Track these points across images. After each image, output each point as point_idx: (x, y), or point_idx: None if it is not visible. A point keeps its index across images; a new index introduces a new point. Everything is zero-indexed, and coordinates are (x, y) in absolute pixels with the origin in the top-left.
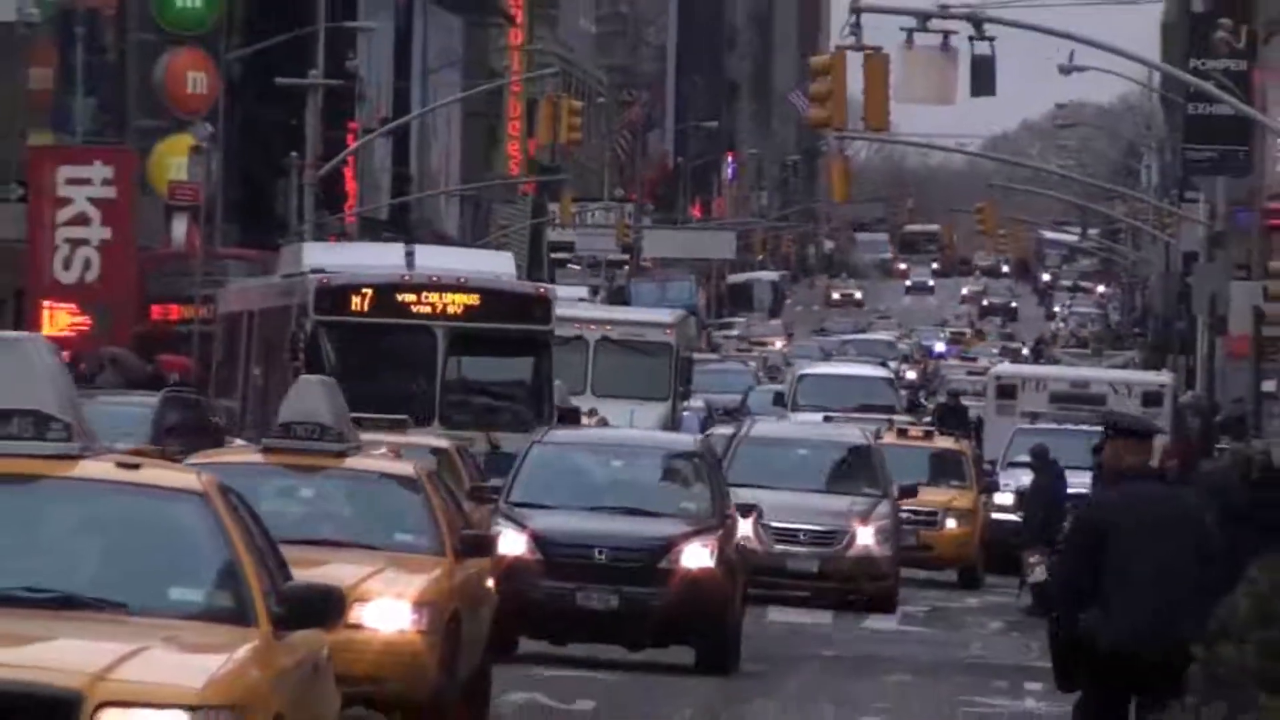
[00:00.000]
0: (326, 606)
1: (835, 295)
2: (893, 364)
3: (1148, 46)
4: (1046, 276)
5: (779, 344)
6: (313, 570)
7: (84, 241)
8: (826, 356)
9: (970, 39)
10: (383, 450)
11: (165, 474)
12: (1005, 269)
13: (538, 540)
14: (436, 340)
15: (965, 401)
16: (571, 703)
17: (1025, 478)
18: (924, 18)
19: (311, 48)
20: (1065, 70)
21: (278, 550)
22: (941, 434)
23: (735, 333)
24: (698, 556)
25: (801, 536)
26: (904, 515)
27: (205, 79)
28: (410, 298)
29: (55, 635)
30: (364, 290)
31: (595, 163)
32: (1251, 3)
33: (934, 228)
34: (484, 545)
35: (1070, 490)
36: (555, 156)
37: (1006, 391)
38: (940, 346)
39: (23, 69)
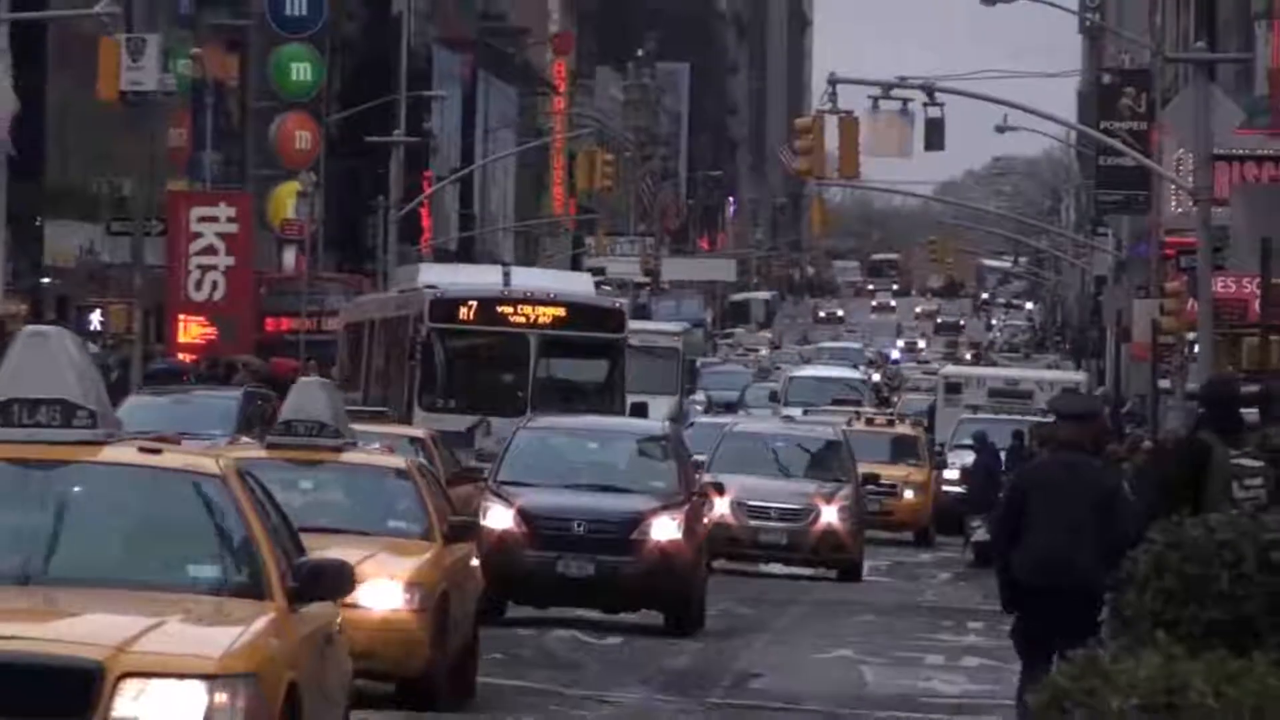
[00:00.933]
0: (338, 580)
1: (821, 313)
2: (860, 367)
3: (1067, 110)
4: (985, 295)
5: (764, 350)
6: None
7: (212, 267)
8: (806, 361)
9: (924, 104)
10: (376, 445)
11: (186, 458)
12: (954, 291)
13: (523, 514)
14: (530, 345)
15: (919, 395)
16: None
17: (968, 457)
18: (886, 87)
19: (395, 112)
20: (1000, 129)
21: (293, 529)
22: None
23: (734, 341)
24: (666, 529)
25: (772, 514)
26: (870, 489)
27: (310, 137)
28: (508, 309)
29: (79, 610)
30: (470, 302)
31: (623, 204)
32: (1149, 75)
33: (895, 256)
34: (470, 531)
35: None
36: (591, 199)
37: (953, 388)
38: (896, 354)
39: (162, 129)
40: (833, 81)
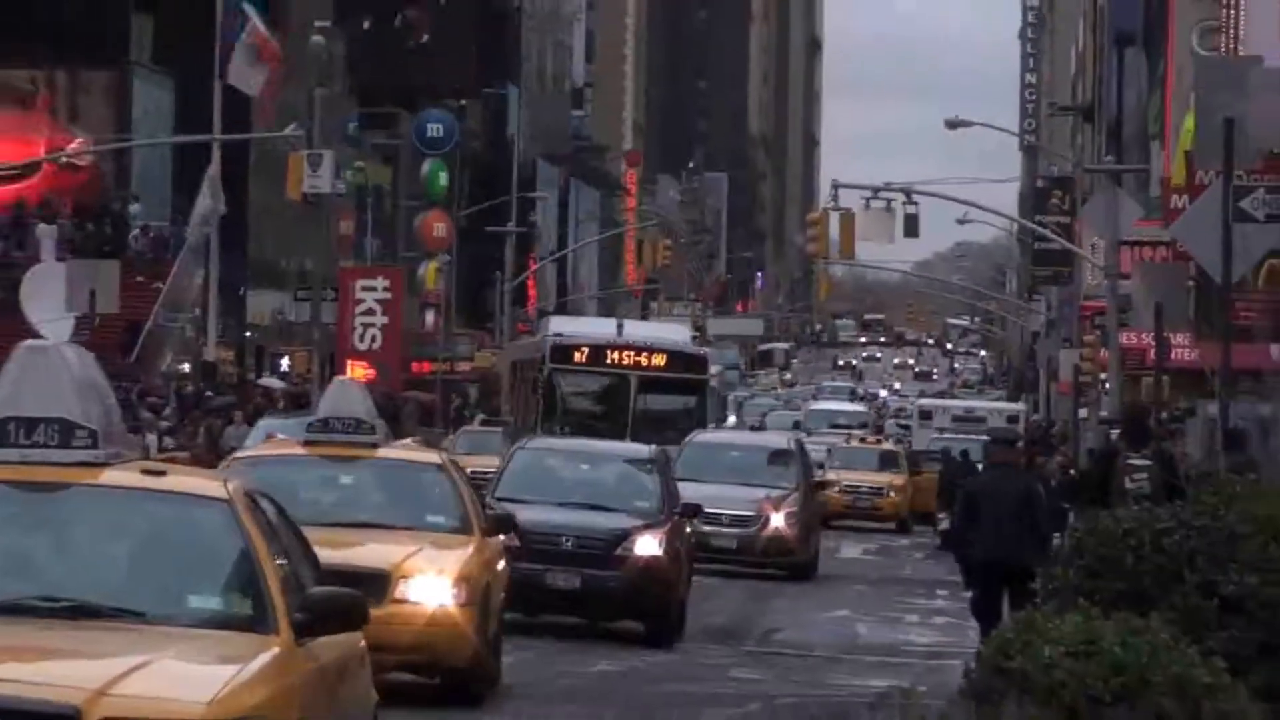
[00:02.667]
0: (351, 612)
1: (840, 362)
2: (859, 401)
3: (1010, 208)
4: (949, 345)
5: (778, 388)
6: (356, 550)
7: (371, 324)
8: (813, 396)
9: (904, 203)
10: (407, 441)
11: (190, 481)
12: (930, 342)
13: (516, 529)
14: (630, 384)
15: (901, 422)
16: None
17: (937, 467)
18: (875, 190)
19: (508, 209)
20: (961, 222)
21: (311, 552)
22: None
23: (758, 380)
24: (648, 546)
25: (724, 519)
26: (863, 490)
27: (445, 228)
28: (614, 354)
29: (63, 646)
30: (583, 348)
31: (679, 277)
32: (1072, 182)
33: (881, 316)
34: (508, 524)
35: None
36: (654, 273)
37: (926, 415)
38: (884, 393)
39: (334, 221)
40: (835, 186)
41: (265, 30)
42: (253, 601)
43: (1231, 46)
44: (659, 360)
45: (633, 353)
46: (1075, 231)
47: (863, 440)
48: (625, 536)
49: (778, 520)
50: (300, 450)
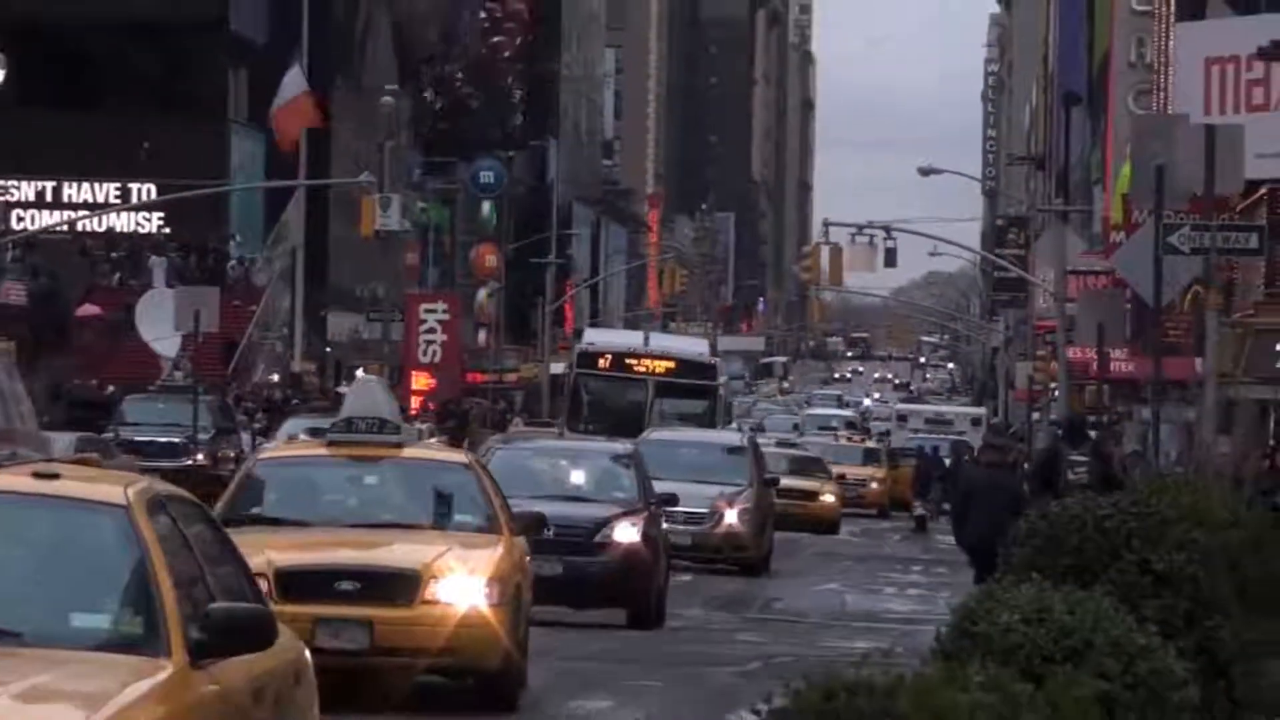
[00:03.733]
0: (257, 631)
1: (835, 375)
2: (847, 407)
3: (974, 242)
4: (922, 359)
5: (778, 395)
6: (384, 550)
7: (433, 341)
8: (807, 404)
9: (884, 239)
10: (433, 440)
11: (86, 486)
12: (906, 356)
13: (548, 527)
14: (648, 387)
15: (880, 424)
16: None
17: (912, 462)
18: (860, 227)
19: (548, 243)
20: (932, 254)
21: (244, 568)
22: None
23: (759, 389)
24: (627, 533)
25: (678, 516)
26: (849, 482)
27: (495, 259)
28: (633, 361)
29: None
30: (606, 355)
31: (693, 301)
32: (1026, 220)
33: (865, 334)
34: (538, 524)
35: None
36: (673, 298)
37: (902, 418)
38: (867, 401)
39: (401, 254)
40: (825, 224)
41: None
42: (144, 620)
43: (1161, 105)
44: (674, 367)
45: (650, 360)
46: (1029, 262)
47: (849, 439)
48: (605, 524)
49: (731, 517)
50: (324, 451)
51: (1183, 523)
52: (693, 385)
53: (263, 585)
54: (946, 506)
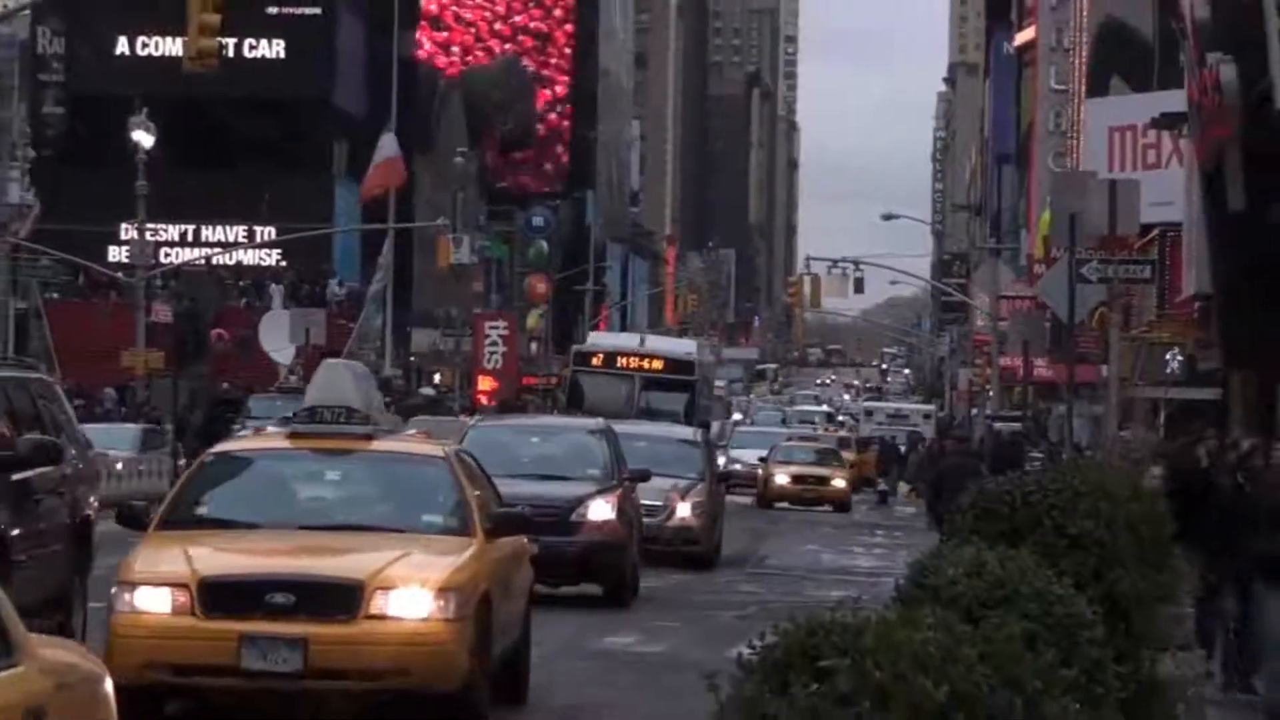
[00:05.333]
0: (520, 523)
1: (817, 381)
2: (824, 406)
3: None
4: (884, 366)
5: (770, 396)
6: (331, 560)
7: (495, 352)
8: (791, 403)
9: (854, 271)
10: (413, 431)
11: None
12: (872, 365)
13: (530, 528)
14: (635, 383)
15: (849, 418)
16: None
17: (876, 448)
18: (835, 261)
19: (586, 274)
20: (893, 282)
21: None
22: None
23: (753, 391)
24: (601, 510)
25: None
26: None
27: (545, 286)
28: (621, 359)
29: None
30: (598, 354)
31: (703, 319)
32: (968, 255)
33: (839, 346)
34: (517, 523)
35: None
36: (686, 318)
37: (868, 413)
38: (843, 399)
39: (470, 283)
40: (808, 259)
41: (392, 156)
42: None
43: (1074, 164)
44: (658, 365)
45: (636, 358)
46: (969, 289)
47: (826, 430)
48: (579, 503)
49: (684, 510)
50: (284, 444)
51: (1091, 496)
52: (674, 380)
53: (181, 599)
54: (903, 484)
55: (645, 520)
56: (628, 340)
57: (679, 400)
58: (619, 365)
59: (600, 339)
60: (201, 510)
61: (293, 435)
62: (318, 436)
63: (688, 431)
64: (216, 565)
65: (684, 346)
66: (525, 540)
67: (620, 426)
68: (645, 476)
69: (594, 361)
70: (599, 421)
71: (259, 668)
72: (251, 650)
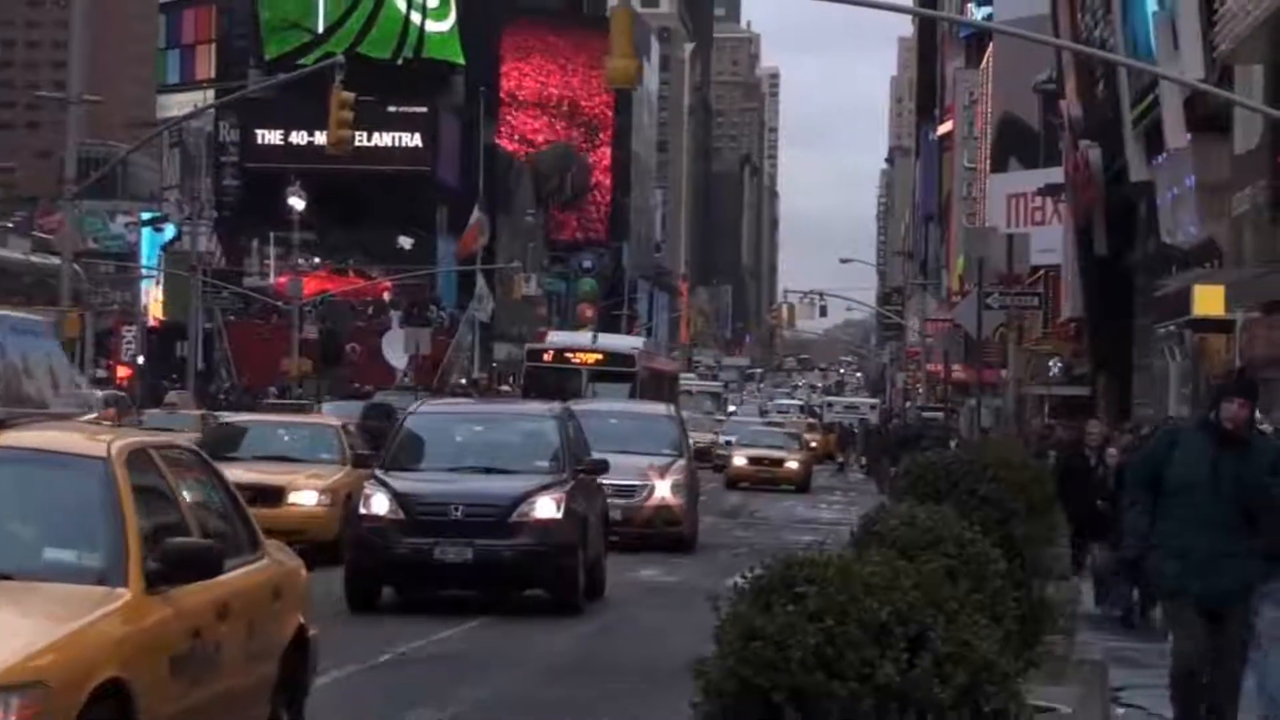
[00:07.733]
0: (205, 561)
1: (794, 384)
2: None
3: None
4: (843, 371)
5: (758, 393)
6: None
7: None
8: (770, 399)
9: (820, 300)
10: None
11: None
12: (834, 369)
13: (400, 501)
14: (582, 375)
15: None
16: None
17: (835, 432)
18: (806, 293)
19: (622, 303)
20: (849, 310)
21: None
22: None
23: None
24: (545, 509)
25: (609, 489)
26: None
27: (592, 312)
28: (569, 354)
29: None
30: (548, 350)
31: (709, 338)
32: (904, 290)
33: (809, 356)
34: (198, 563)
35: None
36: (697, 338)
37: (830, 405)
38: (809, 396)
39: (536, 309)
40: (785, 292)
41: (480, 218)
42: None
43: (981, 222)
44: (601, 358)
45: (582, 353)
46: (904, 314)
47: (799, 419)
48: (520, 501)
49: (663, 489)
50: None
51: (993, 466)
52: (617, 372)
53: None
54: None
55: (622, 501)
56: (580, 338)
57: (622, 390)
58: (568, 360)
59: (554, 337)
60: None
61: None
62: None
63: (661, 407)
64: None
65: (629, 342)
66: (275, 570)
67: (593, 404)
68: (604, 467)
69: (546, 357)
70: (555, 405)
71: None
72: None
